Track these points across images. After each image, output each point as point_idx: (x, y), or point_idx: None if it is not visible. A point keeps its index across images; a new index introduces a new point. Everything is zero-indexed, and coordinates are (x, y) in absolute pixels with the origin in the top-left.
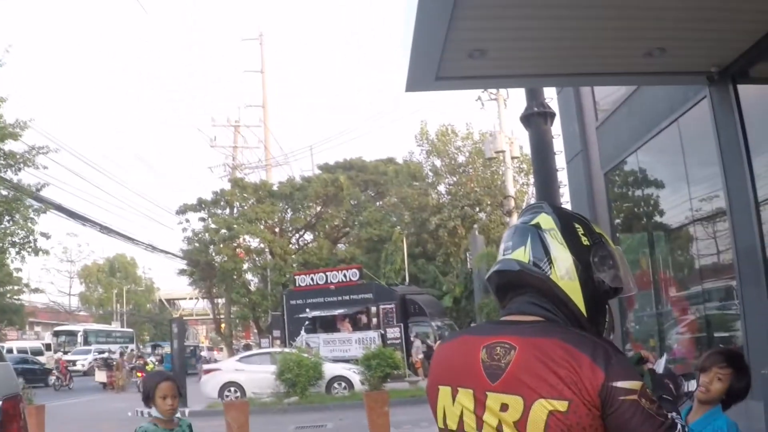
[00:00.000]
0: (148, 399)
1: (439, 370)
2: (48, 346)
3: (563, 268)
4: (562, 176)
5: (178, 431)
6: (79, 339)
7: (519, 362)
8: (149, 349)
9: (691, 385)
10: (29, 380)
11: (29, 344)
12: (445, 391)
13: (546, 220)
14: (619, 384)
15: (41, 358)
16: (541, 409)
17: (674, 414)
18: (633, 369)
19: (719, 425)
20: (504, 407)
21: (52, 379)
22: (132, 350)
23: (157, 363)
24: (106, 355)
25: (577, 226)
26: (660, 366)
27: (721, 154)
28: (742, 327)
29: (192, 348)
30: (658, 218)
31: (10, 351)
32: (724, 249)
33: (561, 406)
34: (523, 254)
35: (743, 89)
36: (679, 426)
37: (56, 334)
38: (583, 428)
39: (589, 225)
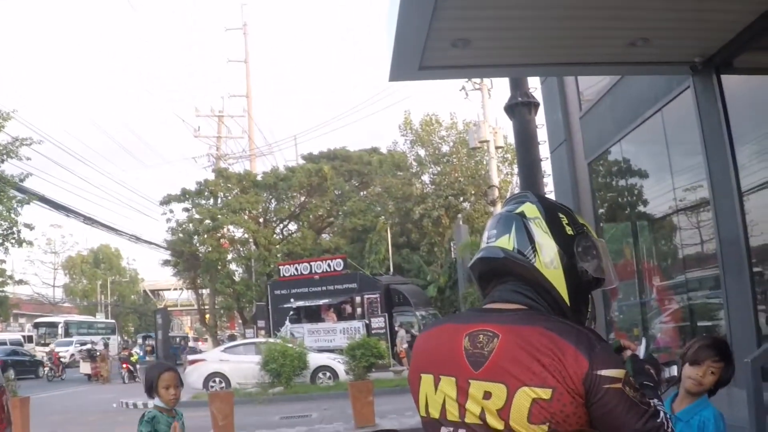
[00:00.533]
0: (151, 389)
1: (421, 358)
2: (30, 338)
3: (547, 257)
4: (546, 166)
5: (178, 419)
6: (60, 331)
7: (502, 350)
8: (140, 340)
9: (672, 371)
10: (19, 371)
11: (8, 336)
12: (427, 379)
13: (530, 209)
14: (604, 372)
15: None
16: (525, 396)
17: (656, 401)
18: (617, 357)
19: (706, 415)
20: (487, 395)
21: (45, 369)
22: (121, 342)
23: (142, 354)
24: (89, 346)
25: (561, 215)
26: (641, 351)
27: (704, 144)
28: (725, 316)
29: (182, 338)
30: (641, 208)
31: None
32: (707, 238)
33: (545, 393)
34: (508, 242)
35: (726, 79)
36: (661, 414)
37: (36, 325)
38: (567, 416)
39: (573, 215)
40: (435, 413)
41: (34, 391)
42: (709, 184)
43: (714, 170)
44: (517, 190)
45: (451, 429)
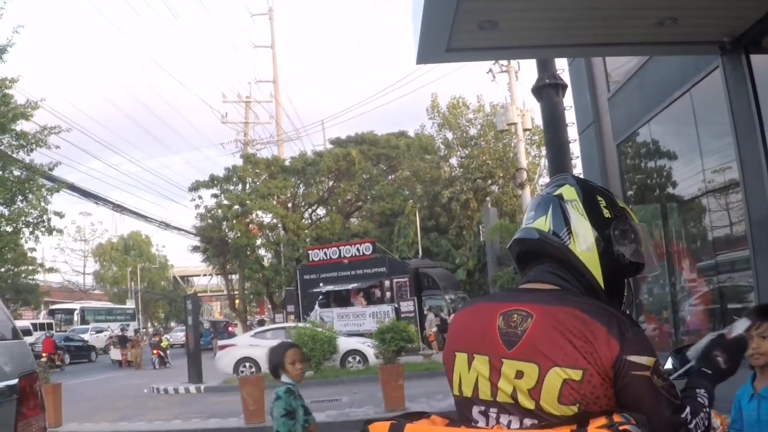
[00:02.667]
0: (277, 368)
1: (456, 336)
2: (45, 326)
3: (582, 239)
4: (575, 148)
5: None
6: (76, 317)
7: (536, 330)
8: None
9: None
10: (74, 356)
11: (18, 324)
12: (461, 358)
13: (569, 192)
14: (633, 358)
15: (29, 339)
16: (556, 377)
17: (701, 390)
18: (648, 343)
19: None
20: (519, 374)
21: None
22: (155, 329)
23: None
24: (119, 332)
25: (599, 198)
26: (739, 328)
27: (733, 125)
28: (755, 298)
29: (224, 323)
30: (670, 189)
31: None
32: (737, 220)
33: (575, 374)
34: (544, 223)
35: (756, 59)
36: (687, 409)
37: (51, 312)
38: (597, 398)
39: (612, 198)
40: (468, 392)
41: (75, 376)
42: (738, 165)
43: (743, 151)
44: (545, 173)
45: (483, 408)
